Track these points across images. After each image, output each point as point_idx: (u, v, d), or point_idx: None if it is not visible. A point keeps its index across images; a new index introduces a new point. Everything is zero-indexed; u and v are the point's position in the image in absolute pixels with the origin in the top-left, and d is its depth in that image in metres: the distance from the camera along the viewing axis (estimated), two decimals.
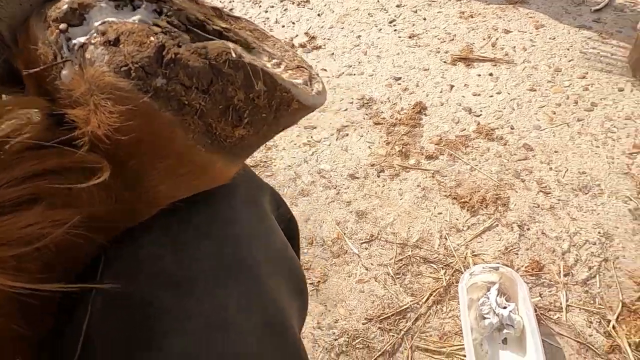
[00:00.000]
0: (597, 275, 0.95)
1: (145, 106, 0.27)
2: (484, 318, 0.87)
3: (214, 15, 0.34)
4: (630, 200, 1.03)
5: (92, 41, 0.27)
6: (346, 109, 1.32)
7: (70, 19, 0.29)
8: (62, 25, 0.28)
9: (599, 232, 1.00)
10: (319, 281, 1.02)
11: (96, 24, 0.28)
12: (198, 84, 0.29)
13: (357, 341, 0.93)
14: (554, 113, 1.21)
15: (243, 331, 0.30)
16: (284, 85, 0.31)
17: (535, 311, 0.90)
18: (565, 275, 0.95)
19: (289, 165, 1.23)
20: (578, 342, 0.87)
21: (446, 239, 1.04)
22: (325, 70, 1.42)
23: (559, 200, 1.06)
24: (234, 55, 0.29)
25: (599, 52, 1.31)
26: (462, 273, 0.93)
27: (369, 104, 1.32)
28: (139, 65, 0.27)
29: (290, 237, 0.44)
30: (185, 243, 0.31)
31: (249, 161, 1.25)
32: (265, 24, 1.60)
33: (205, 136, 0.30)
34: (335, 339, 0.94)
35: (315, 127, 1.30)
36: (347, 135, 1.26)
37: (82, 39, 0.28)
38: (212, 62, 0.29)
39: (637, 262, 0.95)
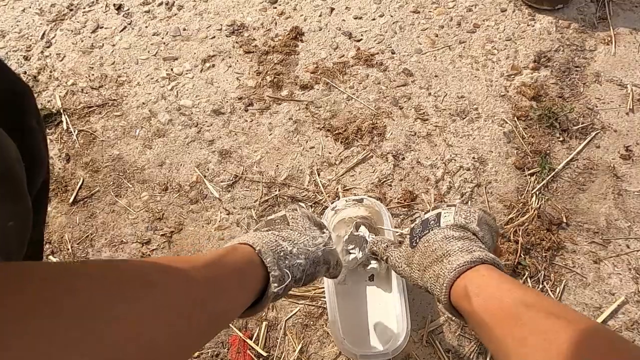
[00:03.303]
0: (469, 201, 0.90)
1: None
2: (349, 253, 0.79)
3: None
4: (506, 122, 0.98)
5: None
6: (214, 37, 1.14)
7: None
8: None
9: (474, 158, 0.94)
10: (173, 231, 0.89)
11: None
12: None
13: None
14: (437, 36, 1.12)
15: None
16: None
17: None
18: (438, 204, 0.89)
19: (143, 103, 1.04)
20: None
21: (317, 174, 0.94)
22: None
23: (436, 126, 0.99)
24: None
25: None
26: None
27: (240, 30, 1.15)
28: None
29: (6, 104, 0.32)
30: None
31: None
32: None
33: None
34: None
35: (177, 58, 1.11)
36: (214, 66, 1.09)
37: None
38: None
39: (508, 186, 0.91)
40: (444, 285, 0.46)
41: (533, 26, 1.12)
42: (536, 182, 0.91)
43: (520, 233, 0.85)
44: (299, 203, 0.57)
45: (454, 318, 0.78)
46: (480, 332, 0.40)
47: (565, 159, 0.93)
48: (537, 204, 0.88)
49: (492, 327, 0.38)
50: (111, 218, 0.91)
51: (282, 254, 0.44)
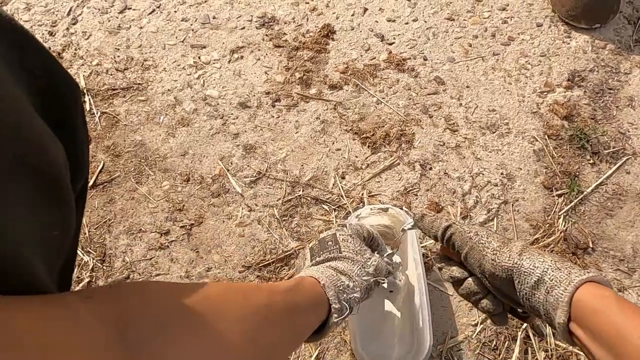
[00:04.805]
0: (495, 218, 0.88)
1: None
2: None
3: None
4: (536, 140, 0.97)
5: None
6: (243, 28, 1.12)
7: None
8: None
9: (502, 173, 0.93)
10: (193, 224, 0.87)
11: None
12: None
13: None
14: (470, 45, 1.10)
15: None
16: None
17: (428, 257, 0.83)
18: (463, 218, 0.88)
19: (169, 90, 1.02)
20: None
21: (342, 177, 0.92)
22: None
23: (465, 138, 0.97)
24: None
25: None
26: None
27: (271, 23, 1.13)
28: None
29: (55, 104, 0.30)
30: None
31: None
32: None
33: None
34: None
35: (205, 47, 1.09)
36: (242, 57, 1.07)
37: None
38: None
39: (535, 205, 0.90)
40: (564, 300, 0.38)
41: (568, 44, 1.10)
42: (564, 203, 0.90)
43: None
44: (344, 225, 0.59)
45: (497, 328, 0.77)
46: None
47: (594, 182, 0.92)
48: (564, 226, 0.87)
49: None
50: (130, 205, 0.89)
51: (341, 287, 0.49)
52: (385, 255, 0.64)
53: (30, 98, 0.28)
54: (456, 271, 0.50)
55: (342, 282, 0.50)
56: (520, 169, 0.94)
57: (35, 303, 0.24)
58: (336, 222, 0.86)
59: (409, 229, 0.58)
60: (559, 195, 0.91)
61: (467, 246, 0.47)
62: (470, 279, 0.49)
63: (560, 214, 0.88)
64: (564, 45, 1.10)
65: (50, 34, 1.11)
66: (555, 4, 1.15)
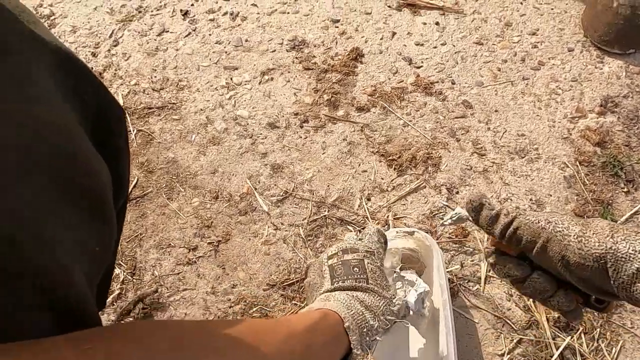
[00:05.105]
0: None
1: None
2: (396, 290, 0.77)
3: None
4: (567, 167, 0.95)
5: None
6: (274, 50, 1.15)
7: None
8: None
9: (531, 199, 0.92)
10: (220, 241, 0.89)
11: None
12: None
13: (254, 309, 0.81)
14: (499, 70, 1.10)
15: None
16: None
17: (453, 282, 0.82)
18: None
19: (201, 109, 1.06)
20: (495, 315, 0.80)
21: (368, 199, 0.92)
22: (255, 5, 1.24)
23: (493, 163, 0.96)
24: None
25: (552, 9, 1.21)
26: None
27: (301, 46, 1.16)
28: None
29: (103, 128, 0.32)
30: None
31: (149, 101, 1.07)
32: None
33: None
34: (231, 307, 0.82)
35: (237, 68, 1.13)
36: (272, 79, 1.10)
37: None
38: None
39: None
40: None
41: (601, 69, 1.09)
42: None
43: None
44: (373, 251, 0.55)
45: None
46: None
47: (628, 211, 0.89)
48: None
49: None
50: (161, 220, 0.92)
51: (365, 329, 0.47)
52: (409, 290, 0.64)
53: (82, 122, 0.31)
54: (515, 269, 0.42)
55: (366, 322, 0.48)
56: (550, 195, 0.92)
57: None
58: (359, 230, 0.86)
59: (451, 223, 0.50)
60: None
61: (541, 239, 0.39)
62: (534, 275, 0.42)
63: None
64: (596, 70, 1.09)
65: (93, 54, 1.17)
66: (587, 29, 1.14)
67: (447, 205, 0.44)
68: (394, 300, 0.52)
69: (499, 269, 0.44)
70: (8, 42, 0.25)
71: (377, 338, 0.49)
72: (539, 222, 0.40)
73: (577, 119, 1.02)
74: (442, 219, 0.63)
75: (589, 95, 1.05)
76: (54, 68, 0.27)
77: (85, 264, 0.28)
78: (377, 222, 0.89)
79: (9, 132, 0.22)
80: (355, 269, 0.52)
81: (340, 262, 0.53)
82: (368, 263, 0.53)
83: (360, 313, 0.48)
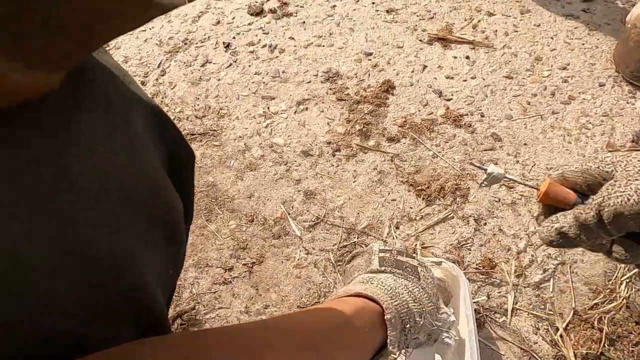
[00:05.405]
0: (552, 279, 0.87)
1: None
2: None
3: None
4: None
5: None
6: (309, 82, 1.22)
7: None
8: None
9: None
10: (254, 262, 0.94)
11: None
12: None
13: None
14: (529, 103, 1.12)
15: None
16: None
17: (480, 313, 0.83)
18: (517, 276, 0.88)
19: (240, 136, 1.13)
20: (521, 348, 0.80)
21: (397, 227, 0.96)
22: (293, 39, 1.32)
23: (521, 195, 0.98)
24: None
25: (584, 44, 1.23)
26: None
27: (335, 78, 1.22)
28: None
29: (177, 167, 0.37)
30: None
31: (197, 128, 1.14)
32: None
33: None
34: None
35: (274, 98, 1.19)
36: (307, 109, 1.16)
37: None
38: None
39: (595, 268, 0.88)
40: None
41: (633, 104, 1.09)
42: (626, 269, 0.87)
43: (605, 321, 0.81)
44: (425, 265, 0.52)
45: None
46: None
47: None
48: (627, 292, 0.84)
49: None
50: (200, 241, 0.98)
51: (408, 325, 0.42)
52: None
53: (164, 162, 0.36)
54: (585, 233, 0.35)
55: (412, 316, 0.42)
56: None
57: None
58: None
59: (487, 185, 0.43)
60: None
61: None
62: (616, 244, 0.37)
63: (622, 279, 0.86)
64: (628, 105, 1.09)
65: (142, 83, 1.27)
66: (619, 64, 1.15)
67: (479, 167, 0.40)
68: (440, 310, 0.47)
69: (550, 228, 0.37)
70: (111, 97, 0.30)
71: (419, 340, 0.43)
72: (630, 199, 0.33)
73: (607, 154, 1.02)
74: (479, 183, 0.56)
75: (620, 130, 1.06)
76: (145, 119, 0.33)
77: (162, 286, 0.33)
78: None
79: (115, 175, 0.28)
80: (408, 269, 0.48)
81: (394, 259, 0.49)
82: (421, 271, 0.49)
83: (406, 305, 0.42)
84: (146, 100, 0.35)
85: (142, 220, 0.29)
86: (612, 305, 0.83)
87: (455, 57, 1.24)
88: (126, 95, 0.32)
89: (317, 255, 0.94)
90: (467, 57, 1.23)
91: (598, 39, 1.24)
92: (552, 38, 1.25)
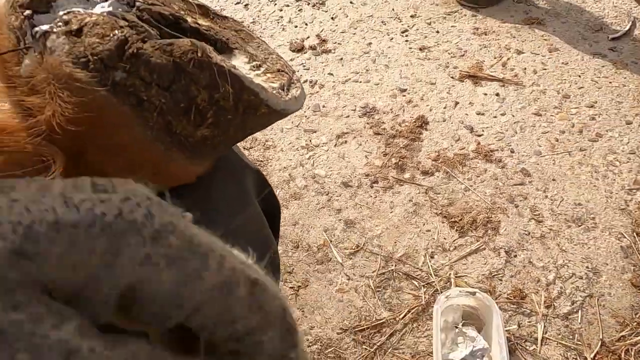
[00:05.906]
0: (580, 311, 0.93)
1: (101, 99, 0.27)
2: (458, 344, 0.86)
3: (196, 13, 0.35)
4: (624, 237, 1.01)
5: (55, 30, 0.27)
6: (348, 116, 1.31)
7: (36, 6, 0.28)
8: (27, 12, 0.28)
9: (587, 267, 0.98)
10: (300, 286, 1.02)
11: (61, 12, 0.28)
12: (159, 81, 0.28)
13: (329, 350, 0.93)
14: (557, 140, 1.19)
15: None
16: (252, 88, 0.31)
17: (511, 341, 0.89)
18: (547, 307, 0.94)
19: (285, 167, 1.23)
20: None
21: (431, 257, 1.03)
22: (331, 74, 1.42)
23: (550, 229, 1.04)
24: (199, 54, 0.29)
25: (611, 82, 1.29)
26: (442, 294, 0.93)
27: (372, 113, 1.31)
28: (97, 58, 0.27)
29: (272, 215, 0.46)
30: None
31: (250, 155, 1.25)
32: (278, 22, 1.60)
33: (165, 134, 0.29)
34: (308, 346, 0.94)
35: (315, 131, 1.29)
36: (346, 142, 1.26)
37: (45, 27, 0.27)
38: (177, 60, 0.28)
39: (622, 302, 0.93)
40: None
41: None
42: None
43: (632, 353, 0.86)
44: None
45: None
46: None
47: None
48: None
49: None
50: None
51: None
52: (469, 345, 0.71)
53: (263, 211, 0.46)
54: None
55: None
56: (607, 264, 0.98)
57: None
58: (425, 298, 0.96)
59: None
60: None
61: None
62: None
63: None
64: None
65: None
66: None
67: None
68: None
69: None
70: (237, 168, 0.40)
71: None
72: None
73: (634, 191, 1.08)
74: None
75: None
76: (253, 180, 0.43)
77: None
78: (439, 278, 0.99)
79: (244, 230, 0.37)
80: None
81: None
82: None
83: None
84: (252, 165, 0.45)
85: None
86: (639, 338, 0.88)
87: (485, 94, 1.31)
88: (242, 162, 0.42)
89: (357, 281, 1.02)
90: (497, 94, 1.30)
91: (625, 78, 1.29)
92: (579, 76, 1.32)
